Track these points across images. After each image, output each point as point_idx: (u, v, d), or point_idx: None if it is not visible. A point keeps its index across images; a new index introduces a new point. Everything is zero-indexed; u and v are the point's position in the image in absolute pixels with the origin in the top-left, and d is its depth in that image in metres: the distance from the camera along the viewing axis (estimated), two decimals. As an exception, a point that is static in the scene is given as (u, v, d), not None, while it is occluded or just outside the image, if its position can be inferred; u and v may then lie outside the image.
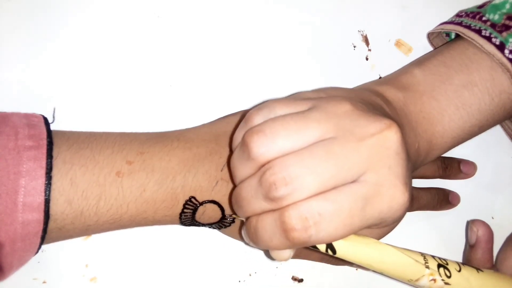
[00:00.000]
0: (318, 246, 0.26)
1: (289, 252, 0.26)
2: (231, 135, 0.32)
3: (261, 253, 0.35)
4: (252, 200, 0.25)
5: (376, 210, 0.25)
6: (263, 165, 0.25)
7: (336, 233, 0.24)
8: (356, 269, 0.37)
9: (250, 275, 0.35)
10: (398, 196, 0.25)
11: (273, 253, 0.26)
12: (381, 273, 0.28)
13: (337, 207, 0.24)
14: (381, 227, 0.28)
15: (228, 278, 0.35)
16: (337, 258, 0.27)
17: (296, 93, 0.31)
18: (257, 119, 0.26)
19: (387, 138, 0.25)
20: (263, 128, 0.25)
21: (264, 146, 0.24)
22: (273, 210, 0.25)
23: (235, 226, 0.32)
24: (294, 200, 0.24)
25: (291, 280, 0.36)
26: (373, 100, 0.30)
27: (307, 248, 0.26)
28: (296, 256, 0.34)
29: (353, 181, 0.25)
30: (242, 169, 0.26)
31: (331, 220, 0.24)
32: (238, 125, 0.28)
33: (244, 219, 0.27)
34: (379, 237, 0.29)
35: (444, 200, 0.40)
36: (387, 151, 0.25)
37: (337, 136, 0.25)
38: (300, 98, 0.28)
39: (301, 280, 0.36)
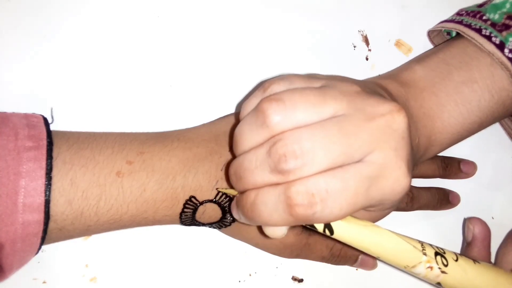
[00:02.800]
0: (316, 225, 0.25)
1: (284, 229, 0.26)
2: (231, 134, 0.32)
3: (261, 253, 0.35)
4: (255, 172, 0.24)
5: (379, 191, 0.25)
6: (274, 136, 0.24)
7: (340, 212, 0.24)
8: (356, 269, 0.37)
9: (250, 275, 0.35)
10: (401, 179, 0.25)
11: (268, 230, 0.26)
12: (378, 258, 0.27)
13: (344, 186, 0.24)
14: (376, 211, 0.28)
15: (228, 278, 0.35)
16: (334, 239, 0.26)
17: (308, 73, 0.31)
18: (276, 88, 0.26)
19: (396, 120, 0.25)
20: (282, 97, 0.24)
21: (281, 115, 0.24)
22: (277, 184, 0.24)
23: (235, 225, 0.32)
24: (302, 175, 0.23)
25: (291, 280, 0.36)
26: (377, 91, 0.30)
27: (303, 226, 0.25)
28: (296, 256, 0.34)
29: (359, 161, 0.24)
30: (250, 137, 0.25)
31: (337, 198, 0.24)
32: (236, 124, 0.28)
33: (236, 193, 0.27)
34: (372, 222, 0.29)
35: (444, 199, 0.40)
36: (394, 133, 0.25)
37: (349, 114, 0.25)
38: (314, 77, 0.28)
39: (301, 280, 0.36)
